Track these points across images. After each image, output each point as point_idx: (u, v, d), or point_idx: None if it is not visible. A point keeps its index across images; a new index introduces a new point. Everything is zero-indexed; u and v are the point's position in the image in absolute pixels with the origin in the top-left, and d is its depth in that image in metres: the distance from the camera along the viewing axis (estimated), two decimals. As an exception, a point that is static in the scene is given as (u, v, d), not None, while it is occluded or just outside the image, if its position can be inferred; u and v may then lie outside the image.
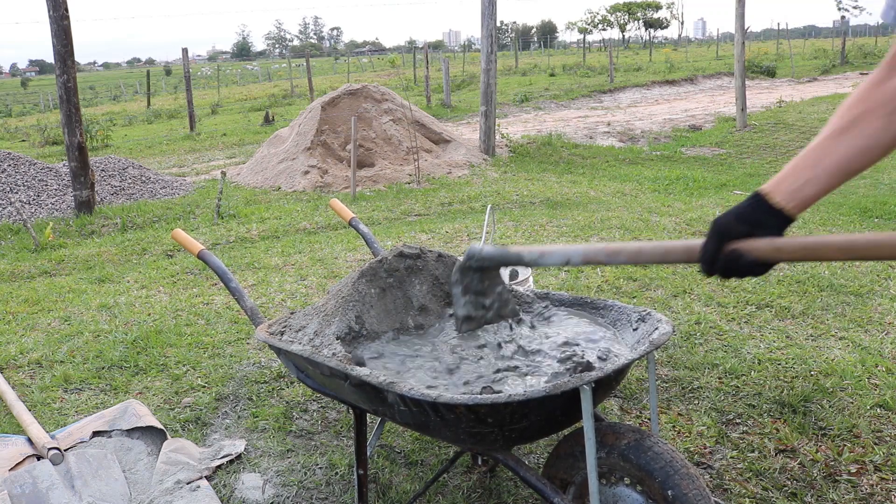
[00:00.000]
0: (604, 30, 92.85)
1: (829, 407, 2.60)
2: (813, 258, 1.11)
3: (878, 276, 4.01)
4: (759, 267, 1.15)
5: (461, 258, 1.72)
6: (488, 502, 2.16)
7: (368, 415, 2.17)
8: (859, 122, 1.10)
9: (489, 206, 2.91)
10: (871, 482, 2.18)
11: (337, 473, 2.34)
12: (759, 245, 1.14)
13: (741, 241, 1.15)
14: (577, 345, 1.81)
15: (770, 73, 23.60)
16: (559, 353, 1.76)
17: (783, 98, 15.55)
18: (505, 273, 2.72)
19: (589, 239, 5.04)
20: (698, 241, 1.21)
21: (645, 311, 1.82)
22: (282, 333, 1.92)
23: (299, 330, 1.90)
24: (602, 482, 1.63)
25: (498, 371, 1.73)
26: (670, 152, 10.69)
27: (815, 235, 1.12)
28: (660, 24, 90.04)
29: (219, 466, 2.37)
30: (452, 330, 1.96)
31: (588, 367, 1.60)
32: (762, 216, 1.15)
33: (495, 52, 9.90)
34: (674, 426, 2.52)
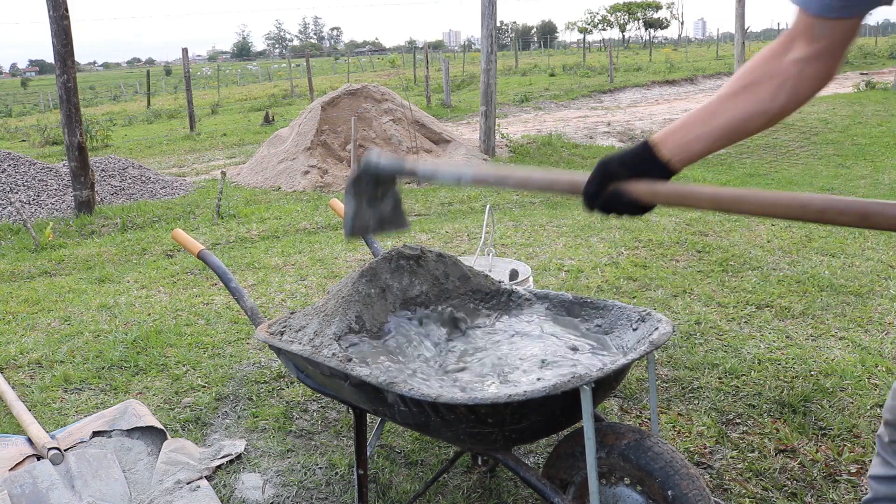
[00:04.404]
0: (604, 30, 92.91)
1: (829, 407, 2.60)
2: (685, 204, 1.18)
3: (878, 276, 4.01)
4: (636, 208, 1.22)
5: (358, 169, 1.73)
6: (488, 502, 2.16)
7: (368, 415, 2.17)
8: (752, 88, 1.16)
9: (488, 206, 2.91)
10: (871, 482, 2.18)
11: (337, 473, 2.34)
12: (638, 187, 1.20)
13: (622, 182, 1.21)
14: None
15: (770, 73, 23.55)
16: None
17: (783, 98, 15.52)
18: (505, 273, 2.72)
19: (589, 240, 5.04)
20: (583, 176, 1.27)
21: (645, 311, 1.82)
22: (282, 333, 1.92)
23: (299, 330, 1.90)
24: (602, 482, 1.63)
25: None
26: (670, 152, 10.68)
27: (689, 185, 1.19)
28: (660, 24, 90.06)
29: (219, 466, 2.37)
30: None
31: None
32: (646, 166, 1.20)
33: (495, 52, 9.90)
34: (674, 426, 2.52)
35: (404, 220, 1.86)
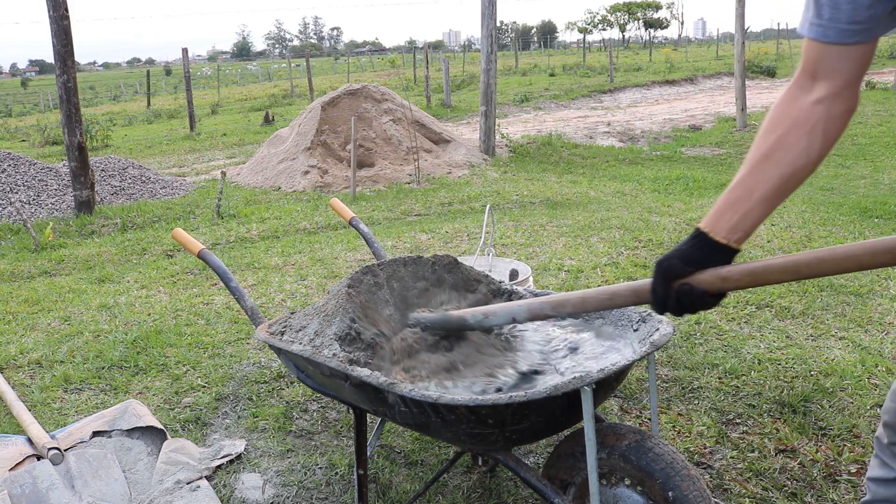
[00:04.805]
0: (604, 30, 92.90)
1: (829, 407, 2.60)
2: (758, 283, 1.12)
3: (878, 276, 4.00)
4: (710, 298, 1.16)
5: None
6: (488, 502, 2.16)
7: (368, 415, 2.17)
8: (782, 144, 1.11)
9: (488, 206, 2.91)
10: (871, 482, 2.18)
11: (337, 473, 2.34)
12: (705, 277, 1.15)
13: (687, 277, 1.16)
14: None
15: (770, 73, 23.63)
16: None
17: (783, 98, 15.52)
18: (505, 273, 2.72)
19: (589, 240, 5.04)
20: (645, 283, 1.22)
21: (645, 311, 1.82)
22: (282, 333, 1.92)
23: (299, 330, 1.90)
24: (602, 483, 1.63)
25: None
26: (670, 152, 10.69)
27: (758, 260, 1.12)
28: (660, 24, 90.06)
29: (219, 466, 2.37)
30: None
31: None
32: (707, 254, 1.16)
33: (495, 52, 9.90)
34: (674, 426, 2.52)
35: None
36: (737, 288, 1.14)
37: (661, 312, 1.22)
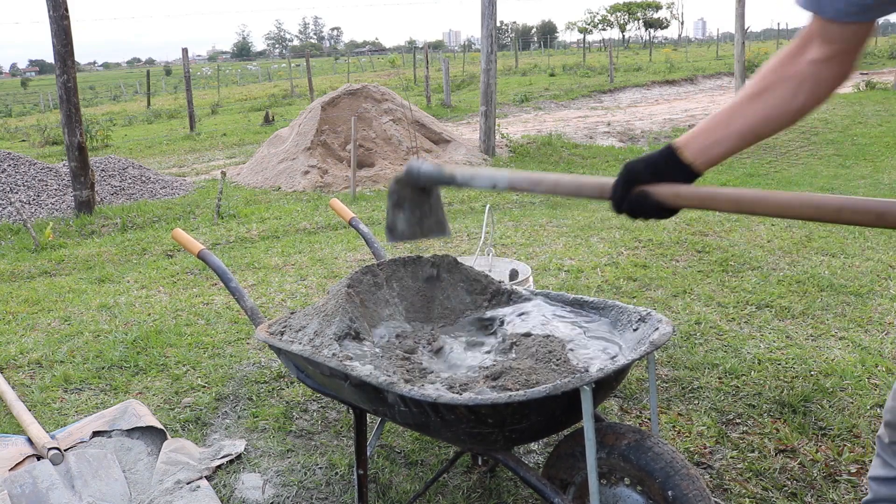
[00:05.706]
0: (604, 30, 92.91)
1: (829, 407, 2.60)
2: (706, 206, 1.20)
3: (878, 276, 4.01)
4: (662, 210, 1.23)
5: (400, 175, 1.73)
6: (488, 502, 2.16)
7: (368, 415, 2.17)
8: (770, 90, 1.17)
9: (488, 206, 2.91)
10: (871, 482, 2.18)
11: (337, 473, 2.34)
12: (662, 190, 1.21)
13: (648, 185, 1.22)
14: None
15: (770, 73, 23.58)
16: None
17: (783, 98, 15.51)
18: (505, 273, 2.72)
19: (589, 240, 5.04)
20: (610, 180, 1.28)
21: (645, 311, 1.82)
22: (282, 333, 1.92)
23: (299, 330, 1.90)
24: (602, 482, 1.63)
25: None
26: (670, 152, 10.68)
27: (709, 186, 1.20)
28: (660, 24, 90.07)
29: (219, 466, 2.37)
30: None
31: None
32: (670, 169, 1.22)
33: (495, 52, 9.90)
34: (674, 426, 2.52)
35: (446, 227, 1.84)
36: (687, 206, 1.21)
37: (617, 210, 1.26)
